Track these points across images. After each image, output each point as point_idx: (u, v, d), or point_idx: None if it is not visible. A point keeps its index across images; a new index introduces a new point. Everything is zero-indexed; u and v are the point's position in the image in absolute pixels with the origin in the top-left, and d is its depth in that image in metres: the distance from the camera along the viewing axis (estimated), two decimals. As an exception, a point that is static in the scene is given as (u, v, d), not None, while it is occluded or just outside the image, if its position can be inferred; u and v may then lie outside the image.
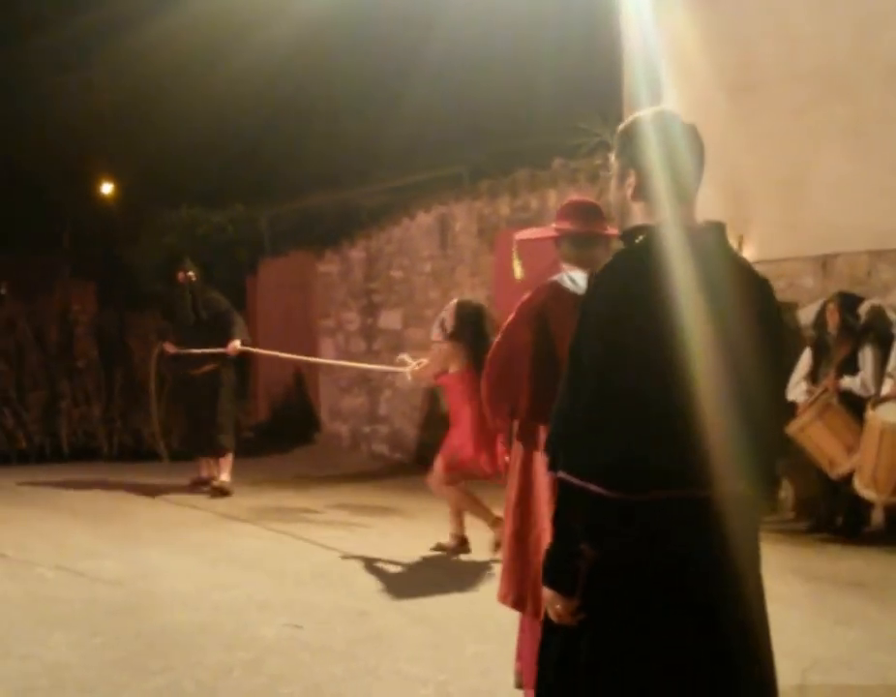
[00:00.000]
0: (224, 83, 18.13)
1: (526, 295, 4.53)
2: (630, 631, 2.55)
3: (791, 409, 8.25)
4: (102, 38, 18.21)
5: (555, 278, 4.47)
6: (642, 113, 2.78)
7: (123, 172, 22.37)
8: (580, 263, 4.44)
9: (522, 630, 4.59)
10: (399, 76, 16.20)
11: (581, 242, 4.47)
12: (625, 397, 2.50)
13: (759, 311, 2.68)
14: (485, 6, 14.37)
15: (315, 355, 14.28)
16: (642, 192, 2.71)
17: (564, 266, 4.49)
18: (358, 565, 7.55)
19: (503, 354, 4.54)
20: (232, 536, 8.73)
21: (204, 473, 11.25)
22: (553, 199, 11.58)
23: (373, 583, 7.04)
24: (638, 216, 2.73)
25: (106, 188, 23.06)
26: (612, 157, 2.82)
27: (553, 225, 4.62)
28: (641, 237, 2.67)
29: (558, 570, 2.58)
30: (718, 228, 2.72)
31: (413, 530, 8.91)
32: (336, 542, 8.31)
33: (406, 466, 12.71)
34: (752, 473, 2.61)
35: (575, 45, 14.13)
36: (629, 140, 2.76)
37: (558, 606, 2.59)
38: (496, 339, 4.65)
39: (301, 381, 15.14)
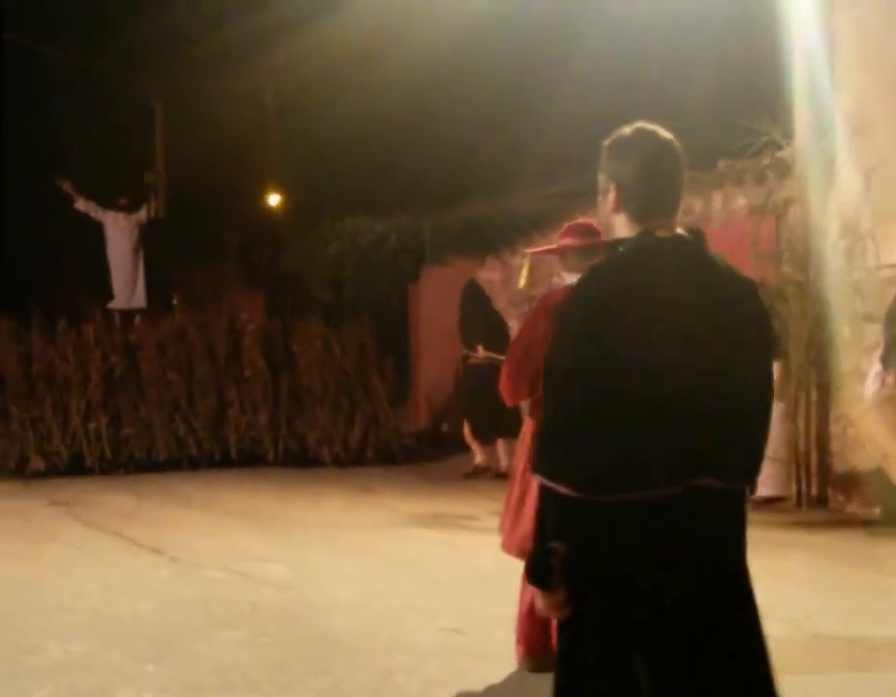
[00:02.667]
0: (387, 92, 18.36)
1: (543, 294, 5.54)
2: (603, 628, 2.70)
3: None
4: (268, 45, 18.61)
5: (567, 282, 5.29)
6: (624, 130, 2.89)
7: (289, 183, 22.84)
8: (580, 271, 4.85)
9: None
10: (557, 79, 16.12)
11: (581, 254, 5.25)
12: (591, 403, 2.61)
13: (740, 313, 2.77)
14: (640, 4, 14.22)
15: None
16: (621, 205, 2.84)
17: (569, 275, 5.29)
18: (517, 572, 7.49)
19: (524, 342, 5.29)
20: (393, 541, 8.79)
21: (480, 460, 12.20)
22: (719, 202, 11.37)
23: (534, 590, 6.97)
24: (619, 228, 2.86)
25: (273, 198, 23.55)
26: (598, 173, 2.94)
27: (557, 242, 5.46)
28: (619, 248, 2.80)
29: (535, 566, 2.73)
30: (696, 237, 2.81)
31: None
32: (495, 548, 8.27)
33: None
34: (732, 470, 2.71)
35: (736, 39, 13.82)
36: (610, 156, 2.89)
37: (539, 600, 2.75)
38: (519, 330, 5.48)
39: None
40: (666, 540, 2.65)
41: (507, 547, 5.58)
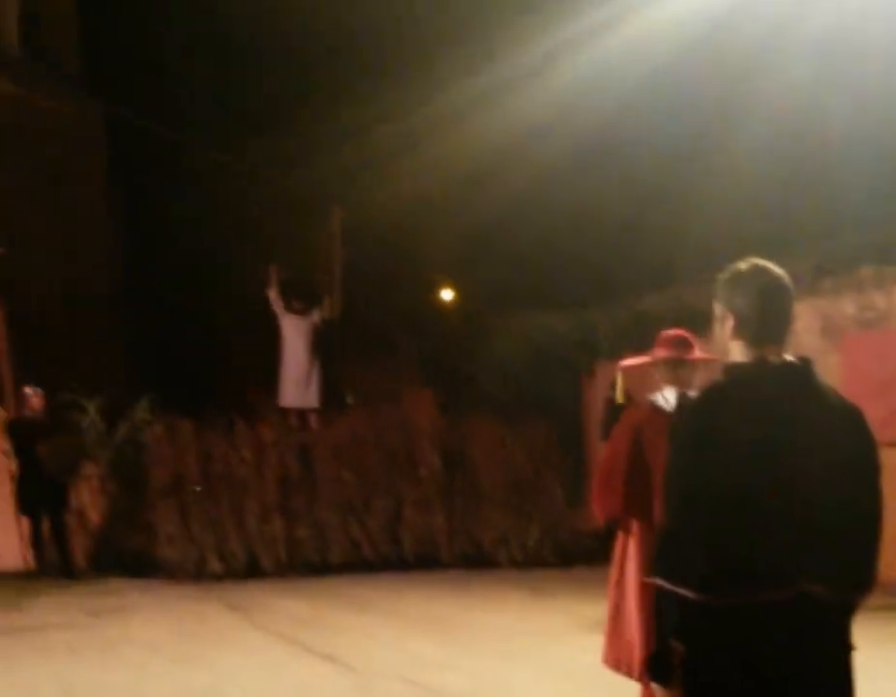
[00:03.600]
0: (556, 183, 18.26)
1: (626, 412, 5.69)
2: None
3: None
4: (436, 138, 18.80)
5: (652, 397, 5.57)
6: (741, 264, 3.20)
7: (461, 278, 22.88)
8: (672, 383, 5.52)
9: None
10: (733, 165, 15.71)
11: (673, 366, 5.51)
12: (706, 513, 2.89)
13: (843, 434, 3.01)
14: (816, 87, 13.81)
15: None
16: (738, 332, 3.14)
17: (661, 386, 5.53)
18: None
19: (609, 457, 5.50)
20: (573, 650, 8.37)
21: None
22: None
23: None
24: (736, 353, 3.15)
25: (445, 294, 23.58)
26: (715, 302, 3.25)
27: (651, 354, 5.65)
28: (735, 372, 3.11)
29: (655, 664, 2.95)
30: (805, 363, 3.10)
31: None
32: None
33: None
34: (839, 580, 2.89)
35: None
36: (728, 288, 3.20)
37: (659, 695, 2.96)
38: (605, 447, 5.70)
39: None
40: (773, 645, 2.85)
41: (605, 660, 5.76)
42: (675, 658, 2.86)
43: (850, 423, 3.06)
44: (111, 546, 13.18)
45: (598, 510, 5.62)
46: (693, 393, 5.06)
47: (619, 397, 6.57)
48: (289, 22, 19.03)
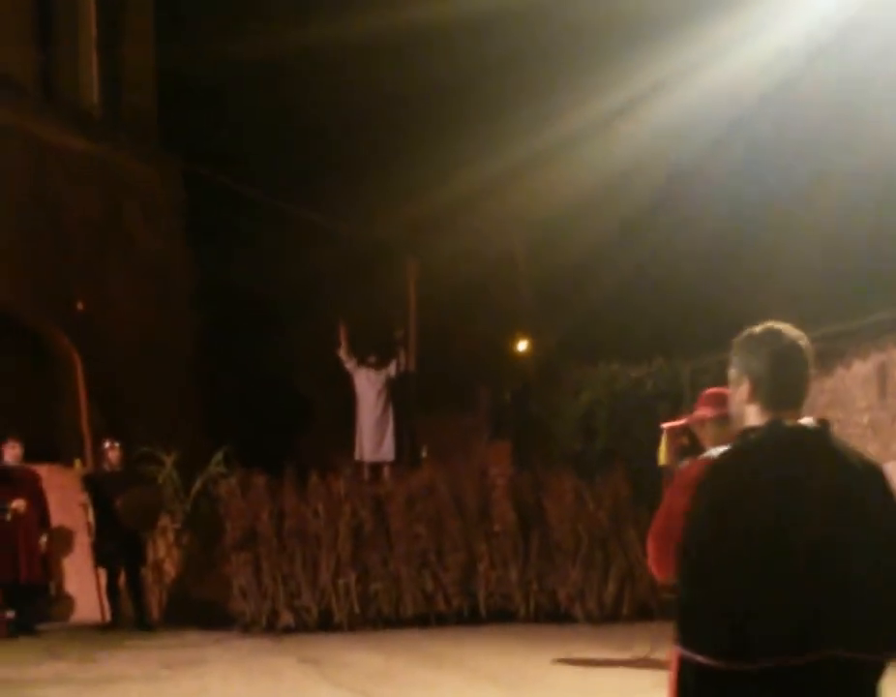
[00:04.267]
0: (636, 230, 18.16)
1: (682, 468, 5.35)
2: None
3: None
4: (511, 187, 18.82)
5: (706, 454, 5.23)
6: (755, 329, 3.24)
7: (537, 328, 22.75)
8: (720, 441, 5.18)
9: None
10: (823, 213, 15.43)
11: (718, 423, 5.27)
12: (720, 576, 2.87)
13: (863, 493, 2.98)
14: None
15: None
16: (754, 396, 3.18)
17: (709, 444, 5.30)
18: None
19: (664, 517, 5.19)
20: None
21: None
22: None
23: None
24: (751, 417, 3.19)
25: (521, 345, 23.45)
26: (730, 366, 3.29)
27: (696, 412, 5.56)
28: (751, 437, 3.12)
29: None
30: (822, 425, 3.08)
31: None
32: None
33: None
34: (862, 640, 2.86)
35: None
36: (743, 351, 3.24)
37: None
38: (660, 505, 5.34)
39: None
40: None
41: None
42: None
43: (871, 483, 3.05)
44: (186, 599, 13.24)
45: (656, 570, 5.57)
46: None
47: (662, 459, 6.62)
48: (363, 76, 19.24)
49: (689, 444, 6.77)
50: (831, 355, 12.82)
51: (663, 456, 6.54)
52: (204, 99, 19.05)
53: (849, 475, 3.01)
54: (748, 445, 3.12)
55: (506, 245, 22.29)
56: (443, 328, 19.49)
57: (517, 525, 13.34)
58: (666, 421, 6.36)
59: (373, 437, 14.95)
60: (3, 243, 15.55)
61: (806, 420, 3.10)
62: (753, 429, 3.14)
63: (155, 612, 13.30)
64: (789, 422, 3.08)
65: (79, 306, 16.39)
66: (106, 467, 13.19)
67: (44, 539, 12.67)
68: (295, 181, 19.89)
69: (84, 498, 13.11)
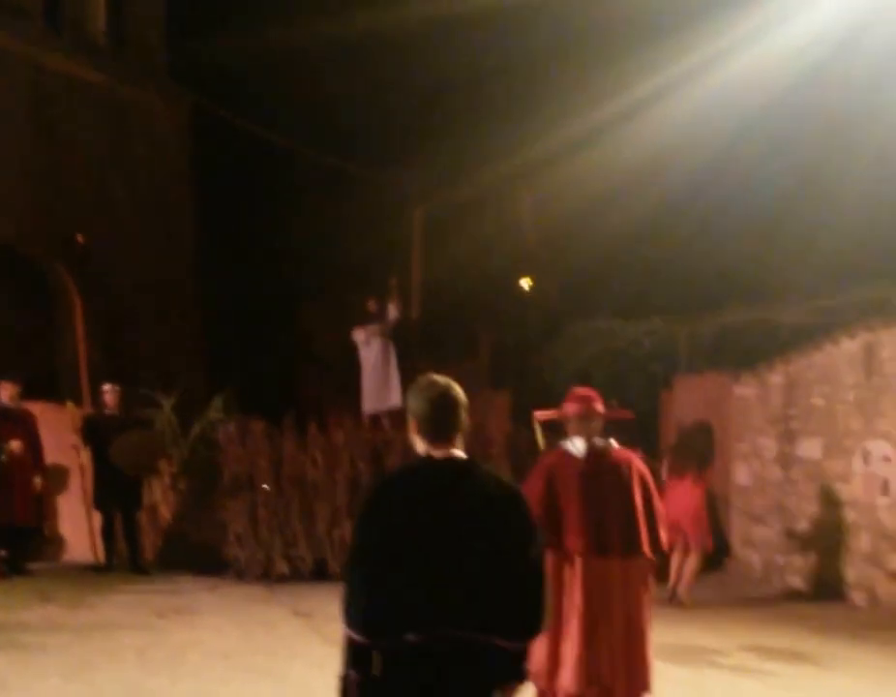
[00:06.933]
0: (646, 195, 18.04)
1: (542, 457, 6.71)
2: None
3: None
4: (523, 145, 18.67)
5: (564, 443, 6.51)
6: (420, 379, 4.01)
7: (541, 282, 22.63)
8: (580, 433, 6.44)
9: None
10: (834, 190, 15.33)
11: (580, 419, 6.42)
12: (363, 568, 3.68)
13: (494, 514, 3.73)
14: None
15: (728, 479, 13.78)
16: (417, 431, 3.92)
17: (573, 436, 6.44)
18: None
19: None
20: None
21: None
22: None
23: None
24: (418, 445, 3.92)
25: (525, 293, 23.29)
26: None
27: (563, 408, 6.55)
28: (407, 464, 4.07)
29: (340, 688, 3.69)
30: (469, 461, 3.88)
31: (827, 684, 8.24)
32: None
33: (824, 605, 11.79)
34: (473, 625, 3.61)
35: None
36: (411, 396, 3.98)
37: None
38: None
39: (713, 507, 14.45)
40: (424, 685, 3.59)
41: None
42: (351, 686, 3.64)
43: (503, 504, 3.78)
44: (181, 542, 13.24)
45: None
46: (598, 441, 6.37)
47: (541, 444, 7.84)
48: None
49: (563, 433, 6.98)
50: (820, 330, 12.80)
51: (540, 442, 7.56)
52: (217, 33, 18.61)
53: (479, 495, 3.76)
54: (406, 468, 4.02)
55: (513, 198, 22.20)
56: (449, 276, 19.39)
57: (510, 476, 13.30)
58: (538, 412, 7.37)
59: (379, 386, 14.84)
60: (3, 173, 15.36)
61: (457, 452, 3.85)
62: (415, 456, 3.93)
63: (149, 554, 13.27)
64: (438, 453, 3.84)
65: (79, 239, 16.20)
66: (104, 410, 13.07)
67: (38, 480, 12.54)
68: (301, 123, 19.62)
69: (76, 439, 12.90)
